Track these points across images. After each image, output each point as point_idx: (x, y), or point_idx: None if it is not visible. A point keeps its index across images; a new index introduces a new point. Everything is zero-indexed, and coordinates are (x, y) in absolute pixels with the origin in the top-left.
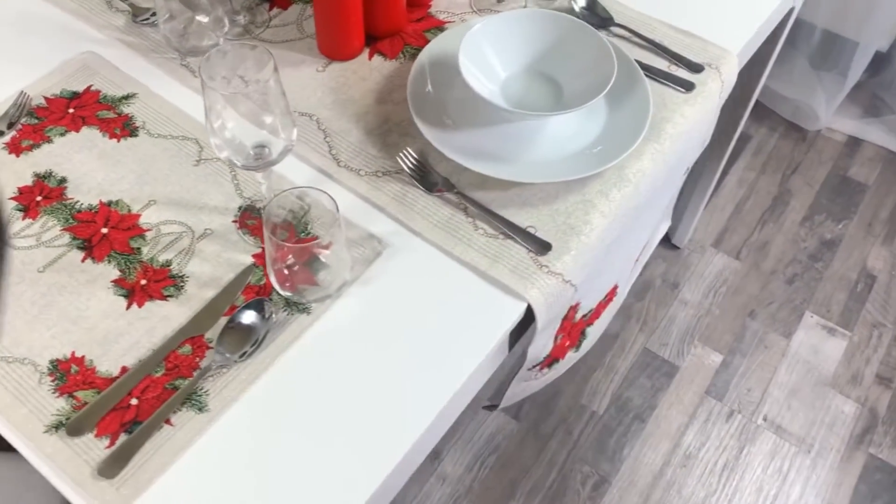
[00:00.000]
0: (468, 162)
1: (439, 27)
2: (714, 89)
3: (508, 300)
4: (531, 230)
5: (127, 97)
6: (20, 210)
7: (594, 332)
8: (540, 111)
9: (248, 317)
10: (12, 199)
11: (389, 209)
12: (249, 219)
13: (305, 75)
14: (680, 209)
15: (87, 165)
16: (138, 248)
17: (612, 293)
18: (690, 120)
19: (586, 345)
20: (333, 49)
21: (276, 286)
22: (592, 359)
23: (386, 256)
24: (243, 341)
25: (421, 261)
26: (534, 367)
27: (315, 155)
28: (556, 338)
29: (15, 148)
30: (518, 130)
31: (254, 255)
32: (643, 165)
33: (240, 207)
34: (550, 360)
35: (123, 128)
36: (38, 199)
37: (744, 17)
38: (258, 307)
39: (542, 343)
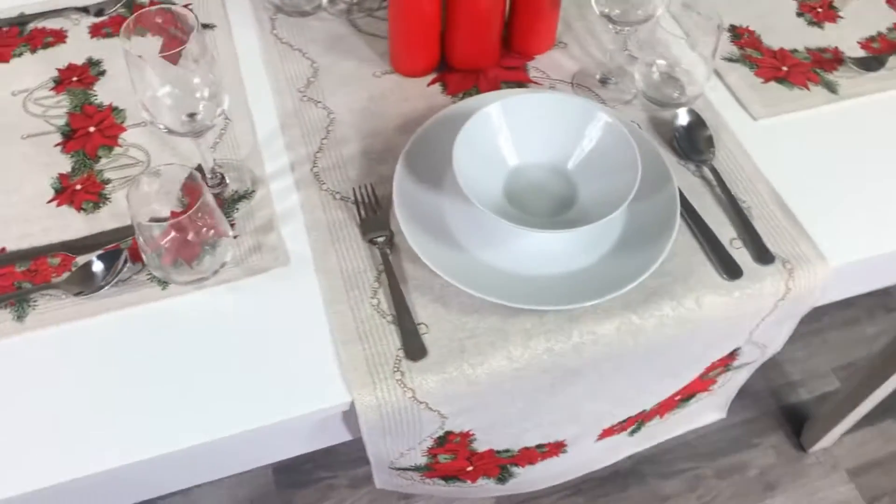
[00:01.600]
0: (423, 248)
1: (521, 83)
2: (770, 292)
3: (341, 384)
4: (421, 328)
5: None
6: (54, 81)
7: (536, 475)
8: (537, 215)
9: (97, 264)
10: (58, 69)
11: (314, 234)
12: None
13: (360, 74)
14: (826, 409)
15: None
16: (98, 157)
17: (555, 449)
18: (707, 312)
19: (522, 483)
20: (397, 59)
21: (143, 252)
22: None
23: (277, 274)
24: (84, 282)
25: (299, 296)
26: (406, 469)
27: (302, 147)
28: (434, 455)
29: (96, 31)
30: (499, 230)
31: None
32: (600, 331)
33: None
34: (443, 475)
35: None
36: (74, 78)
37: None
38: (111, 258)
39: (383, 448)
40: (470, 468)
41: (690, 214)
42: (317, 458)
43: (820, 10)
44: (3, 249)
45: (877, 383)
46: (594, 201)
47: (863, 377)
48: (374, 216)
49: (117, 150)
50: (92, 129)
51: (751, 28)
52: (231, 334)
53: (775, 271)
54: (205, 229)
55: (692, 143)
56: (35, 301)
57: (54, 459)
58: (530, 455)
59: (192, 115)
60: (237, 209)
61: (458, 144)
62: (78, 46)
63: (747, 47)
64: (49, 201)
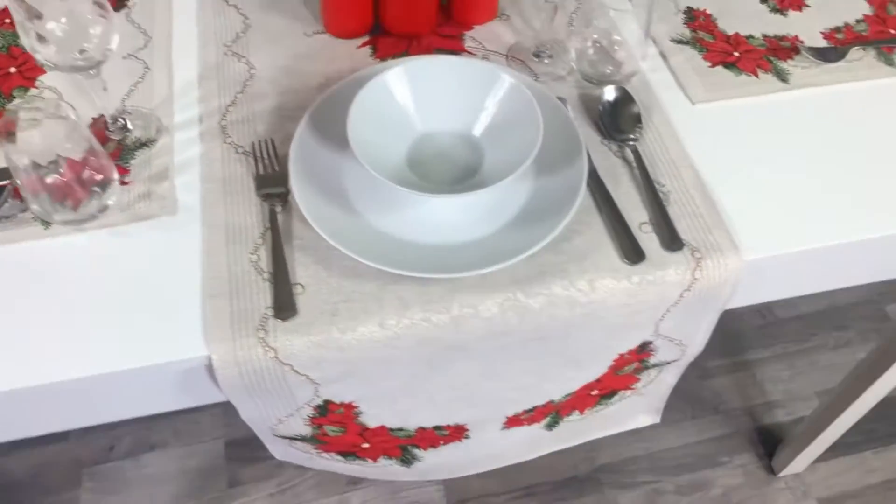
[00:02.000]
0: (309, 206)
1: (455, 52)
2: (674, 280)
3: (200, 338)
4: (297, 289)
5: None
6: None
7: (443, 460)
8: (440, 184)
9: None
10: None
11: (207, 185)
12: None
13: (290, 31)
14: (797, 431)
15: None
16: (13, 97)
17: (457, 433)
18: (601, 296)
19: (431, 469)
20: (328, 19)
21: (23, 192)
22: None
23: (162, 223)
24: None
25: (180, 247)
26: (294, 439)
27: (215, 100)
28: (319, 426)
29: None
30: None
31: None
32: (482, 305)
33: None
34: (338, 451)
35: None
36: (7, 20)
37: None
38: None
39: (255, 411)
40: (366, 445)
41: (602, 194)
42: None
43: None
44: None
45: (843, 407)
46: (496, 169)
47: (833, 400)
48: (271, 172)
49: (32, 91)
50: (13, 69)
51: (707, 11)
52: (106, 279)
53: (682, 259)
54: (89, 173)
55: (616, 121)
56: None
57: None
58: (430, 438)
59: (82, 52)
60: (135, 156)
61: (354, 108)
62: None
63: (700, 30)
64: None
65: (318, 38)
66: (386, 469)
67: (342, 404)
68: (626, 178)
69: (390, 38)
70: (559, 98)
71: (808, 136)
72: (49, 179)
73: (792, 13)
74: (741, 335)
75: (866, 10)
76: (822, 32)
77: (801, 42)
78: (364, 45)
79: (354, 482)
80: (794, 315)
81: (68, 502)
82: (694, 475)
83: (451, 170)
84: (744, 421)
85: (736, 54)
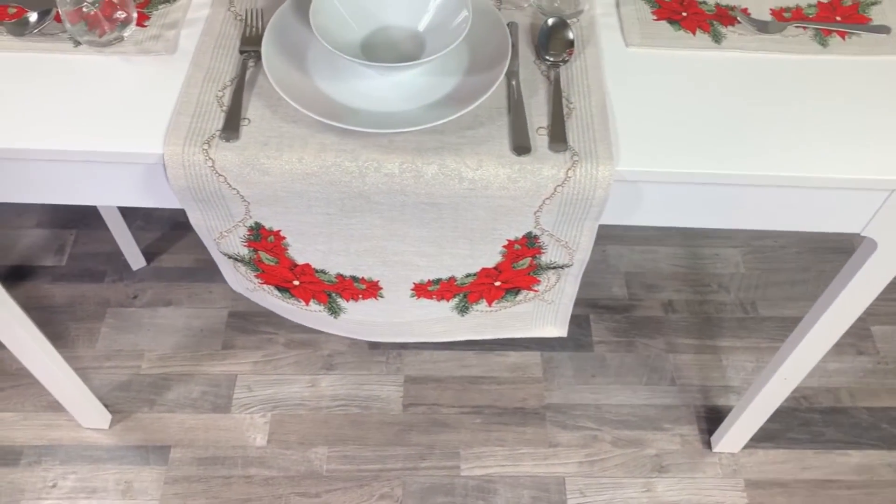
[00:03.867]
0: (269, 62)
1: None
2: (550, 174)
3: (160, 140)
4: (244, 122)
5: None
6: None
7: (363, 317)
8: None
9: (33, 16)
10: None
11: (204, 38)
12: None
13: None
14: (735, 409)
15: None
16: None
17: (372, 289)
18: (484, 175)
19: (354, 325)
20: None
21: (63, 17)
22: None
23: (162, 59)
24: (20, 27)
25: (169, 76)
26: (237, 261)
27: None
28: (255, 251)
29: None
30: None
31: None
32: (385, 161)
33: None
34: (274, 284)
35: None
36: None
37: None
38: (44, 15)
39: (202, 221)
40: (296, 282)
41: (516, 99)
42: (270, 315)
43: None
44: None
45: (761, 384)
46: (428, 55)
47: (758, 379)
48: (254, 35)
49: None
50: None
51: None
52: (110, 88)
53: (562, 160)
54: (118, 12)
55: (548, 43)
56: None
57: None
58: (350, 289)
59: None
60: (158, 9)
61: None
62: None
63: None
64: None
65: None
66: (318, 316)
67: (271, 231)
68: (543, 92)
69: None
70: (511, 23)
71: (720, 91)
72: (85, 10)
73: None
74: (719, 323)
75: None
76: (771, 9)
77: (749, 14)
78: None
79: (327, 367)
80: (776, 315)
81: (90, 331)
82: (633, 433)
83: (395, 57)
84: (696, 397)
85: (684, 14)
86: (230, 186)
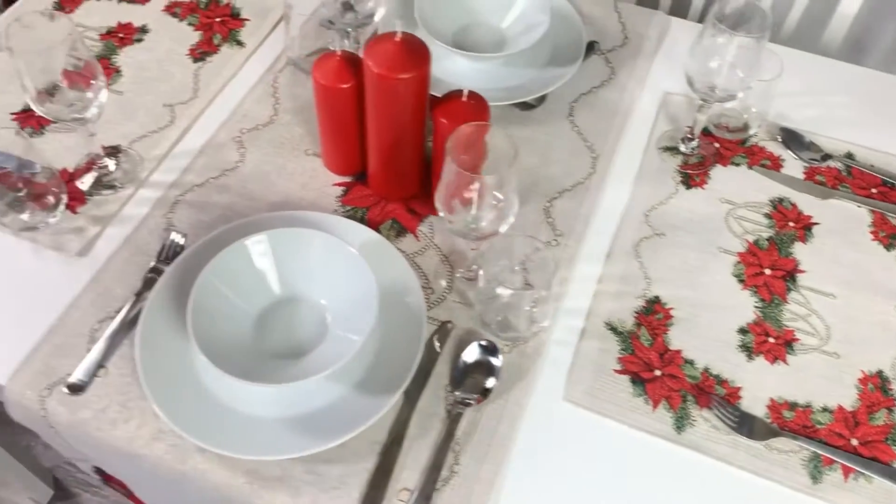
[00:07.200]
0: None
1: (402, 228)
2: None
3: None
4: (102, 371)
5: None
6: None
7: None
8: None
9: None
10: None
11: (126, 243)
12: None
13: (299, 142)
14: None
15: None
16: None
17: None
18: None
19: None
20: (322, 149)
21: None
22: None
23: (69, 260)
24: None
25: (62, 285)
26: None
27: (193, 174)
28: (107, 481)
29: None
30: None
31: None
32: (222, 477)
33: None
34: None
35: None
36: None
37: None
38: None
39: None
40: None
41: (391, 452)
42: None
43: None
44: None
45: None
46: (329, 350)
47: None
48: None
49: None
50: None
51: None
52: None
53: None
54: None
55: (464, 379)
56: None
57: None
58: None
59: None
60: (101, 193)
61: (205, 273)
62: None
63: (644, 325)
64: None
65: (312, 159)
66: None
67: (115, 478)
68: (434, 434)
69: (365, 190)
70: (444, 323)
71: None
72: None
73: None
74: None
75: None
76: (767, 406)
77: (733, 403)
78: (341, 184)
79: None
80: None
81: None
82: None
83: (291, 339)
84: None
85: (656, 373)
86: (63, 439)
